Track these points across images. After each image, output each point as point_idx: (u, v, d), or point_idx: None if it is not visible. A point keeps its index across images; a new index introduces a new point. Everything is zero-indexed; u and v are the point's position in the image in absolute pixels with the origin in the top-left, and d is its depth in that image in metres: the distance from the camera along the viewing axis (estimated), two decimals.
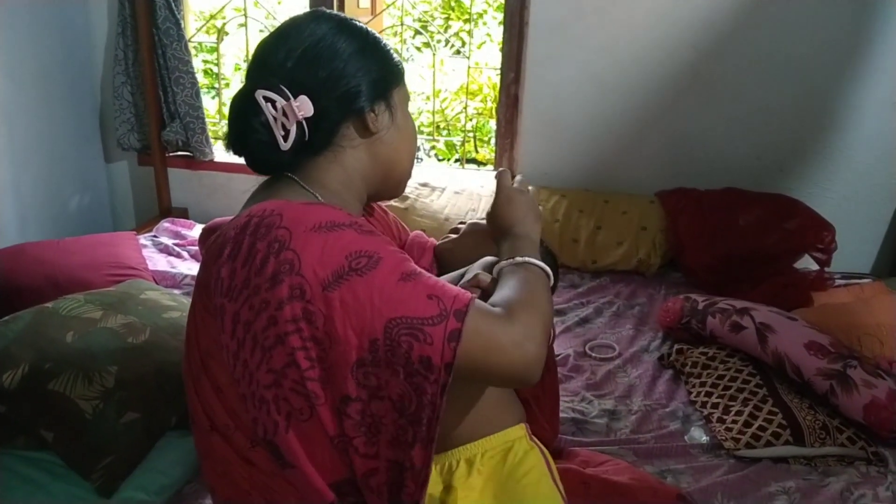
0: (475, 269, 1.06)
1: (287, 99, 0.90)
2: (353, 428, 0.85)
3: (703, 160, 2.64)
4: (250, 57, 0.99)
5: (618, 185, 2.70)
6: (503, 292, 0.92)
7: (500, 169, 1.17)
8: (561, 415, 1.62)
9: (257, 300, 0.82)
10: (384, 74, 0.99)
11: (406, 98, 1.06)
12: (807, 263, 2.36)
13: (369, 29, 1.01)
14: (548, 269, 0.99)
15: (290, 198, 0.92)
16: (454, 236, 1.26)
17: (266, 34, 1.01)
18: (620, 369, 1.93)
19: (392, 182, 1.07)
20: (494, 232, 1.10)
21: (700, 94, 2.57)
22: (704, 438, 1.62)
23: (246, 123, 0.92)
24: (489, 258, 1.07)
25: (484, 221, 1.20)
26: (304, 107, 0.91)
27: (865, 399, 1.58)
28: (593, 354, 1.99)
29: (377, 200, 1.18)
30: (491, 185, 2.70)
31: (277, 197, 0.92)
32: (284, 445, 0.86)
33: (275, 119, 0.90)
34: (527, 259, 0.98)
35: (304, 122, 0.92)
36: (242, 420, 0.89)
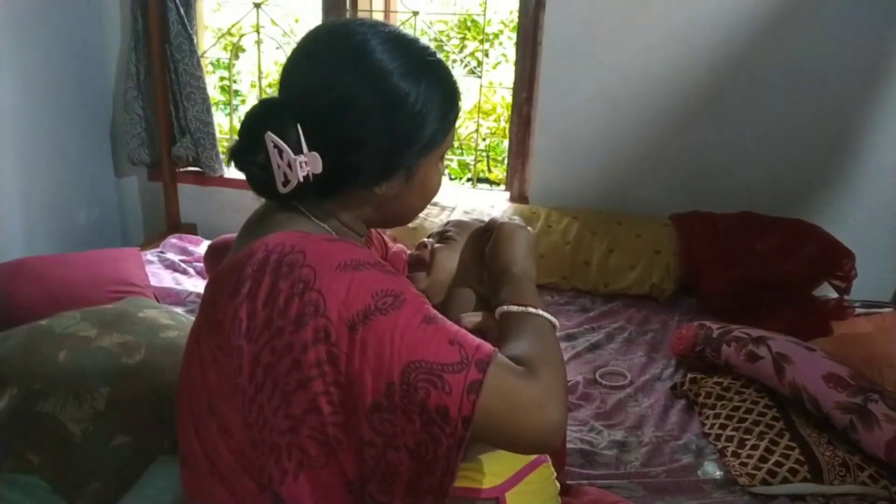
0: (455, 304, 1.02)
1: (297, 151, 0.83)
2: (368, 472, 0.81)
3: (719, 183, 2.59)
4: (284, 66, 0.90)
5: (631, 207, 2.65)
6: (518, 345, 0.86)
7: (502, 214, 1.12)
8: (568, 445, 1.56)
9: (280, 343, 0.78)
10: (417, 146, 0.88)
11: (443, 153, 0.95)
12: (826, 291, 2.29)
13: (434, 71, 0.88)
14: (555, 321, 0.94)
15: (303, 229, 0.87)
16: (440, 245, 1.19)
17: (305, 40, 0.89)
18: (631, 398, 1.87)
19: (397, 223, 1.02)
20: (491, 267, 1.05)
21: (716, 115, 2.52)
22: (718, 473, 1.56)
23: (248, 154, 0.86)
24: (466, 291, 1.03)
25: (467, 219, 1.17)
26: (312, 164, 0.83)
27: (888, 435, 1.51)
28: (604, 382, 1.93)
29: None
30: (500, 205, 2.66)
31: (288, 227, 0.87)
32: (289, 494, 0.82)
33: (278, 167, 0.84)
34: (539, 312, 0.92)
35: (310, 176, 0.84)
36: (252, 464, 0.85)
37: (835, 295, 2.23)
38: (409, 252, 1.26)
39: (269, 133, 0.83)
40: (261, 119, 0.86)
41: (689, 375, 1.88)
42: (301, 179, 0.84)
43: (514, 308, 0.93)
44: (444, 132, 0.92)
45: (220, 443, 0.87)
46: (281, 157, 0.83)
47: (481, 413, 0.76)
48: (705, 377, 1.85)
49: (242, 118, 0.89)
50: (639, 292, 2.43)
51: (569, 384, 1.86)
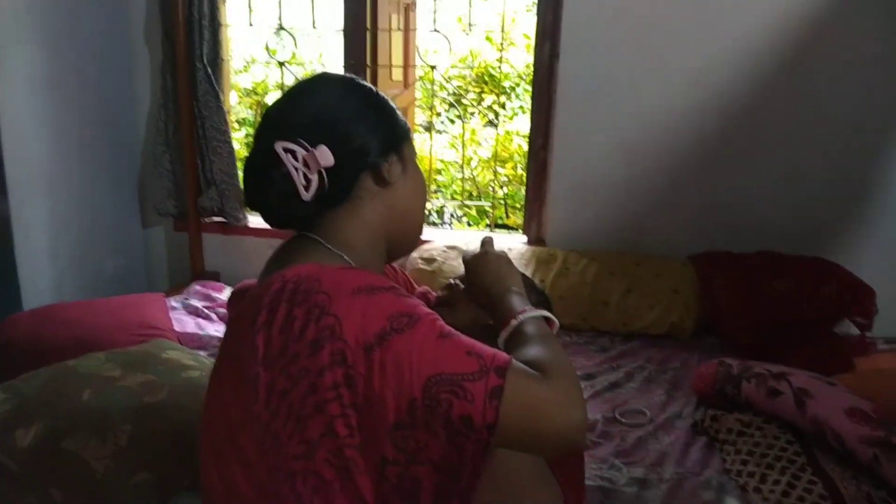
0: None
1: (307, 150, 0.91)
2: (391, 491, 0.82)
3: (736, 224, 2.59)
4: (260, 119, 1.01)
5: (649, 248, 2.66)
6: (526, 352, 0.89)
7: (464, 251, 1.15)
8: (587, 482, 1.55)
9: (296, 368, 0.80)
10: (394, 130, 1.01)
11: (414, 153, 1.07)
12: (848, 328, 2.27)
13: (374, 88, 1.04)
14: (548, 314, 0.97)
15: (320, 261, 0.91)
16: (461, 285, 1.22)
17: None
18: (652, 436, 1.84)
19: (408, 234, 1.08)
20: (479, 303, 1.09)
21: (733, 157, 2.55)
22: None
23: (265, 175, 0.93)
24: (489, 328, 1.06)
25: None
26: (324, 156, 0.91)
27: None
28: (623, 420, 1.91)
29: (395, 258, 1.17)
30: (518, 249, 2.69)
31: (306, 259, 0.91)
32: None
33: (296, 169, 0.90)
34: (529, 315, 0.96)
35: (324, 173, 0.92)
36: (269, 495, 0.86)
37: (856, 331, 2.20)
38: (435, 293, 1.29)
39: (278, 141, 0.91)
40: (270, 134, 0.94)
41: (710, 413, 1.86)
42: (322, 171, 0.91)
43: (506, 333, 0.97)
44: (408, 132, 1.05)
45: (239, 475, 0.88)
46: (296, 159, 0.90)
47: (505, 418, 0.78)
48: (726, 414, 1.83)
49: (247, 157, 0.97)
50: (658, 332, 2.42)
51: (588, 422, 1.85)
